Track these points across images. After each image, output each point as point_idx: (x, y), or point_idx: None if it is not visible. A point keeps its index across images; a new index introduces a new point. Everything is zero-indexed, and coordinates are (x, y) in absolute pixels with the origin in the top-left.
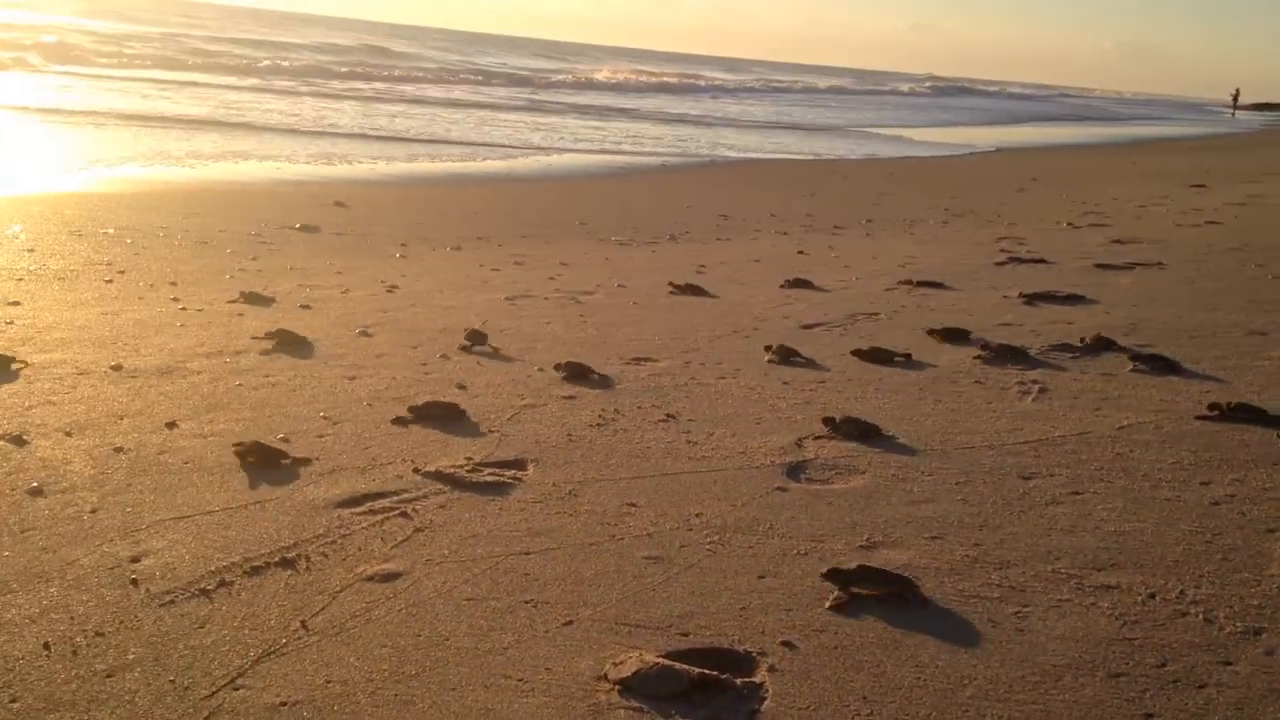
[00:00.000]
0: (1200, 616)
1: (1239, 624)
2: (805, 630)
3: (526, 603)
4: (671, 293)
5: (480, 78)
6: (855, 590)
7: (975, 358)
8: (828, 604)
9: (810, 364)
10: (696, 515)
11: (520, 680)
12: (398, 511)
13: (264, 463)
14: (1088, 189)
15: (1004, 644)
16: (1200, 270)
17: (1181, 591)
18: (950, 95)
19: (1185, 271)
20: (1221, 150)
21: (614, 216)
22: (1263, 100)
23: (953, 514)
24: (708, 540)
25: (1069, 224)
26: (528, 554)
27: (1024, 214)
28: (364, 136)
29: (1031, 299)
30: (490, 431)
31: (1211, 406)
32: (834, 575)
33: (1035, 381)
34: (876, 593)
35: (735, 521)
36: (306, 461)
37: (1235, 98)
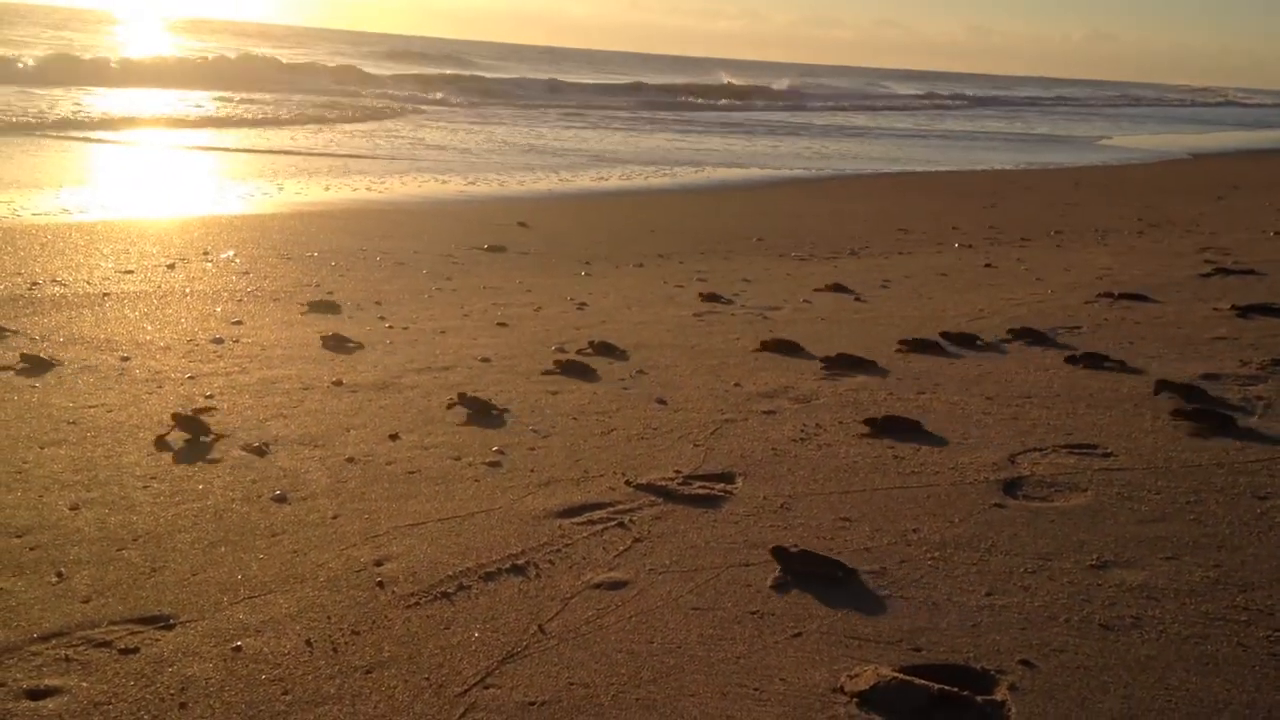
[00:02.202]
0: None
1: None
2: (1043, 649)
3: (753, 614)
4: (859, 310)
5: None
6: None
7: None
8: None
9: (1009, 381)
10: (914, 531)
11: (756, 689)
12: (615, 522)
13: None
14: None
15: (1257, 668)
16: None
17: None
18: (1102, 105)
19: None
20: None
21: (790, 231)
22: None
23: (1186, 534)
24: (929, 556)
25: (1276, 233)
26: (748, 565)
27: (1226, 223)
28: (534, 151)
29: (1245, 311)
30: (696, 445)
31: None
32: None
33: (1260, 398)
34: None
35: (954, 538)
36: (523, 472)
37: None
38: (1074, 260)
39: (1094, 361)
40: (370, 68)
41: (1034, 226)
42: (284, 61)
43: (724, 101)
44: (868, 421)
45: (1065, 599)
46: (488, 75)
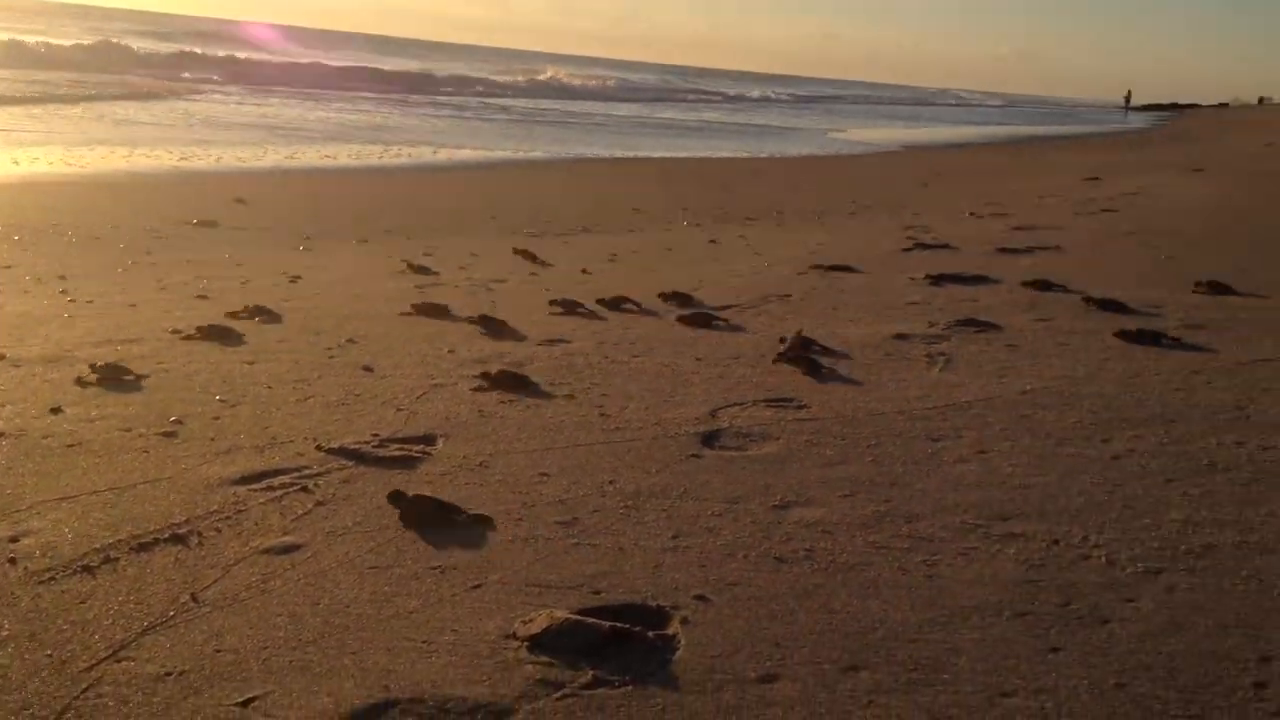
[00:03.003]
0: (1103, 559)
1: (1140, 565)
2: (719, 585)
3: (433, 569)
4: (586, 282)
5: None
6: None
7: (893, 336)
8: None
9: (721, 344)
10: (610, 483)
11: (424, 642)
12: (298, 487)
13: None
14: (988, 183)
15: (913, 589)
16: (1096, 253)
17: (1085, 537)
18: (838, 102)
19: (1082, 254)
20: (1115, 147)
21: (525, 210)
22: (1152, 101)
23: (863, 474)
24: (621, 505)
25: (971, 214)
26: (478, 525)
27: (929, 206)
28: (262, 128)
29: (938, 280)
30: (399, 410)
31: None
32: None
33: (942, 353)
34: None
35: (649, 488)
36: (201, 441)
37: (1128, 99)
38: (792, 238)
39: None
40: (133, 43)
41: (759, 208)
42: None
43: (480, 87)
44: None
45: (746, 537)
46: (240, 55)
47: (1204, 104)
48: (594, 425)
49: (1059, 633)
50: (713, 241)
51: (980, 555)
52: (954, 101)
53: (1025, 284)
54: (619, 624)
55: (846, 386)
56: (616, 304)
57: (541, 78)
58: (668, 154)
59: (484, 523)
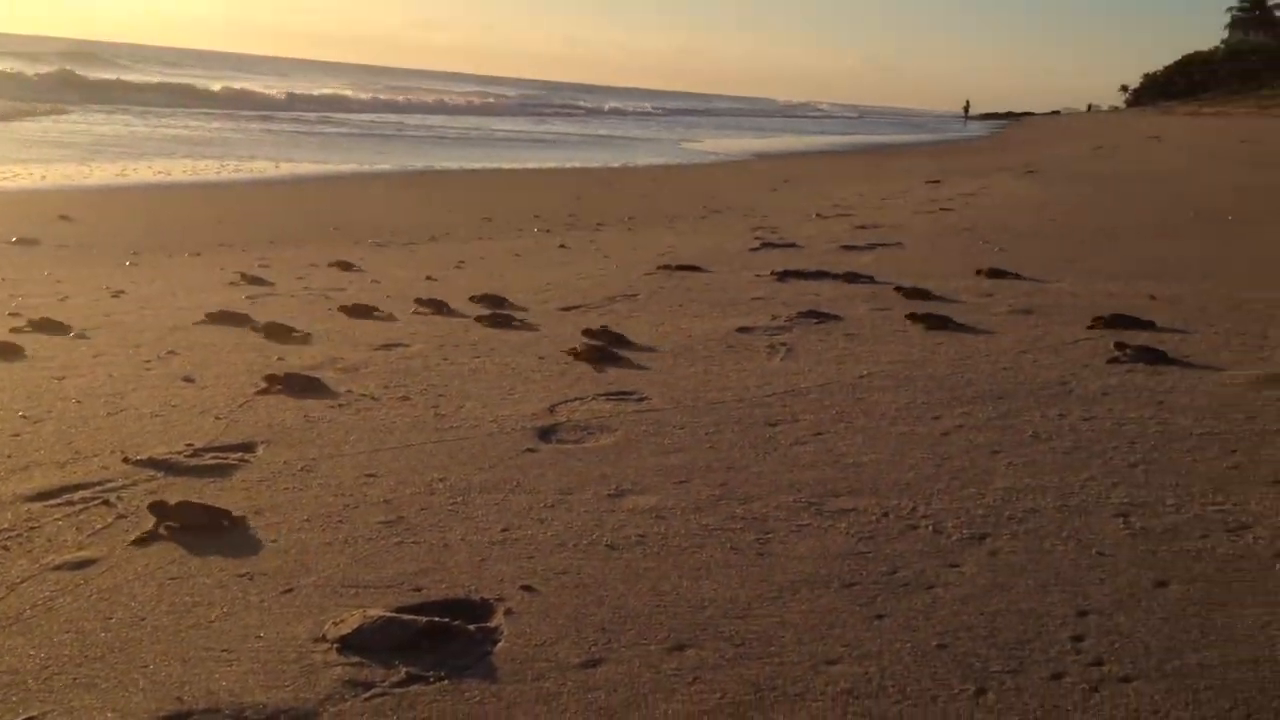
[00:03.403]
0: (930, 528)
1: (965, 532)
2: (547, 574)
3: (241, 576)
4: (430, 289)
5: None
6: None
7: (736, 330)
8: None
9: (564, 342)
10: (440, 480)
11: (225, 651)
12: (99, 500)
13: None
14: (837, 187)
15: (744, 568)
16: (934, 247)
17: (913, 508)
18: (697, 115)
19: (921, 249)
20: (955, 153)
21: (370, 221)
22: (989, 110)
23: (700, 460)
24: (450, 502)
25: (817, 215)
26: (247, 529)
27: (777, 209)
28: (94, 146)
29: (783, 276)
30: (218, 419)
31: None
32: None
33: (784, 344)
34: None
35: (481, 483)
36: None
37: (966, 108)
38: (642, 241)
39: (649, 323)
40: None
41: (611, 215)
42: None
43: (335, 103)
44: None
45: (578, 527)
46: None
47: (1037, 112)
48: (427, 425)
49: (885, 600)
50: (563, 247)
51: (812, 531)
52: (814, 114)
53: (848, 277)
54: (436, 618)
55: (689, 378)
56: (440, 307)
57: (400, 97)
58: (522, 165)
59: (261, 525)
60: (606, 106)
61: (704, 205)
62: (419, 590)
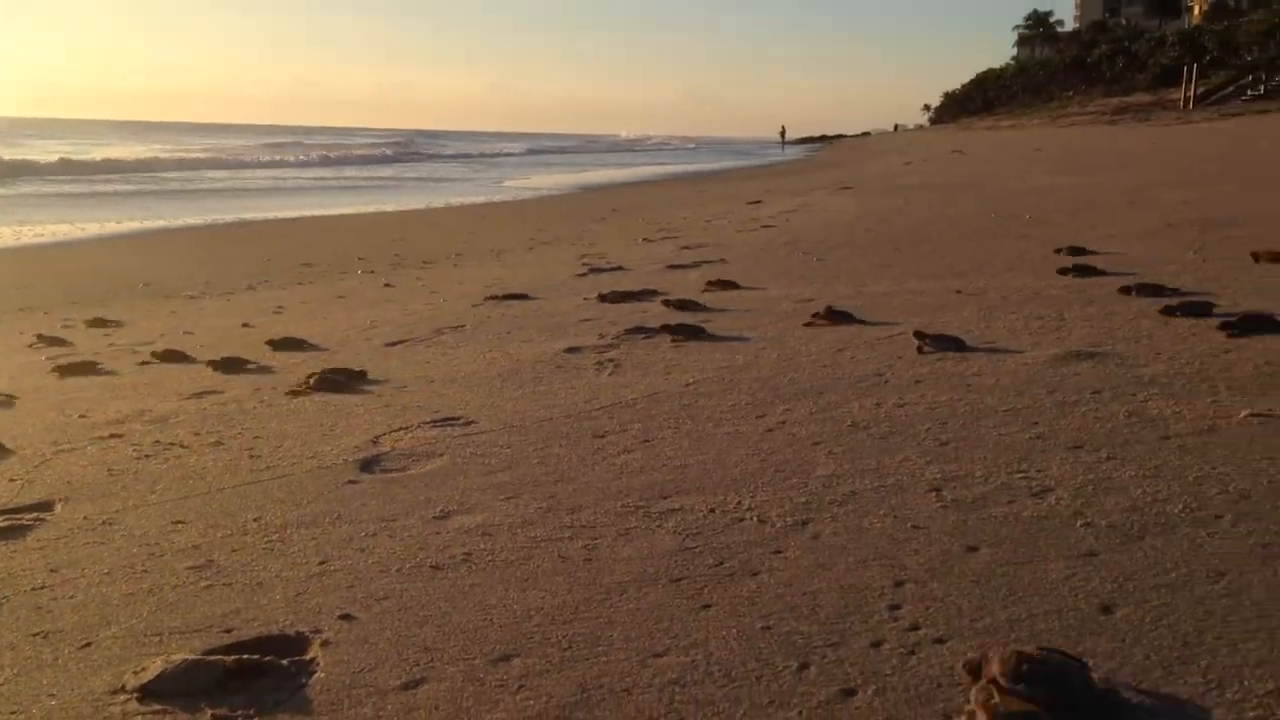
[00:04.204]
0: (755, 519)
1: (789, 519)
2: (368, 601)
3: (35, 635)
4: (247, 335)
5: None
6: None
7: (564, 350)
8: None
9: (387, 379)
10: (254, 520)
11: (13, 713)
12: None
13: None
14: (663, 213)
15: (572, 574)
16: (756, 261)
17: (739, 502)
18: (520, 155)
19: (744, 264)
20: (774, 176)
21: (182, 273)
22: (805, 135)
23: (528, 476)
24: (264, 541)
25: (644, 239)
26: (41, 588)
27: (605, 236)
28: None
29: (608, 298)
30: (12, 481)
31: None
32: None
33: (612, 360)
34: None
35: (298, 519)
36: None
37: (783, 134)
38: (469, 275)
39: (477, 352)
40: None
41: (437, 252)
42: None
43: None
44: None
45: (401, 552)
46: None
47: (849, 134)
48: (241, 468)
49: (711, 591)
50: (388, 285)
51: (639, 533)
52: (650, 146)
53: (692, 294)
54: (246, 656)
55: (517, 399)
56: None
57: (204, 154)
58: (340, 211)
59: (58, 583)
60: (430, 148)
61: (531, 238)
62: (229, 631)
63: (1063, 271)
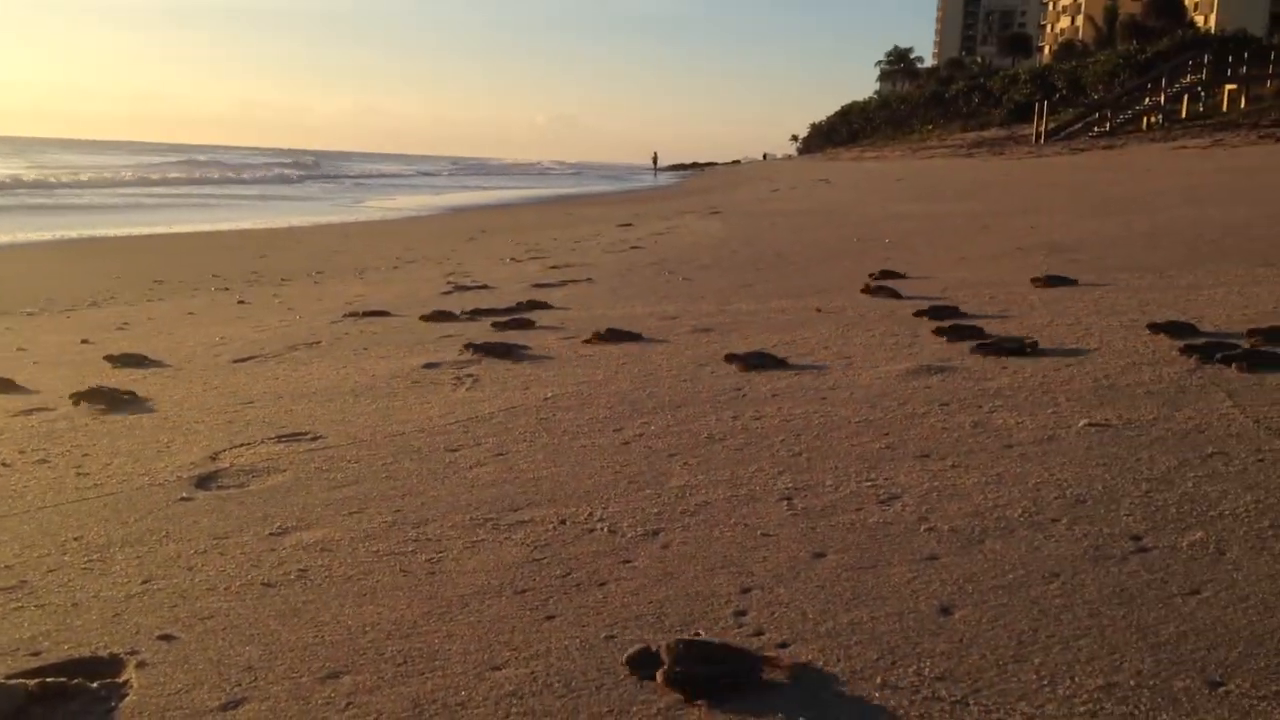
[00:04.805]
0: (606, 530)
1: (640, 529)
2: (191, 621)
3: None
4: (85, 351)
5: None
6: None
7: (422, 366)
8: None
9: (234, 392)
10: (75, 540)
11: None
12: None
13: None
14: (532, 234)
15: (413, 588)
16: (623, 281)
17: (591, 514)
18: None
19: (611, 283)
20: (646, 200)
21: (23, 290)
22: (677, 161)
23: (375, 491)
24: (85, 561)
25: (512, 259)
26: None
27: (472, 256)
28: None
29: (473, 315)
30: None
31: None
32: None
33: (471, 375)
34: None
35: (123, 538)
36: None
37: (655, 160)
38: (329, 292)
39: (331, 367)
40: None
41: (296, 270)
42: None
43: None
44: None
45: (232, 570)
46: None
47: (720, 162)
48: (67, 486)
49: (557, 601)
50: (242, 302)
51: (487, 546)
52: (535, 171)
53: (555, 312)
54: (52, 679)
55: (369, 414)
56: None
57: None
58: (195, 228)
59: None
60: (292, 169)
61: (397, 257)
62: (37, 654)
63: (868, 291)
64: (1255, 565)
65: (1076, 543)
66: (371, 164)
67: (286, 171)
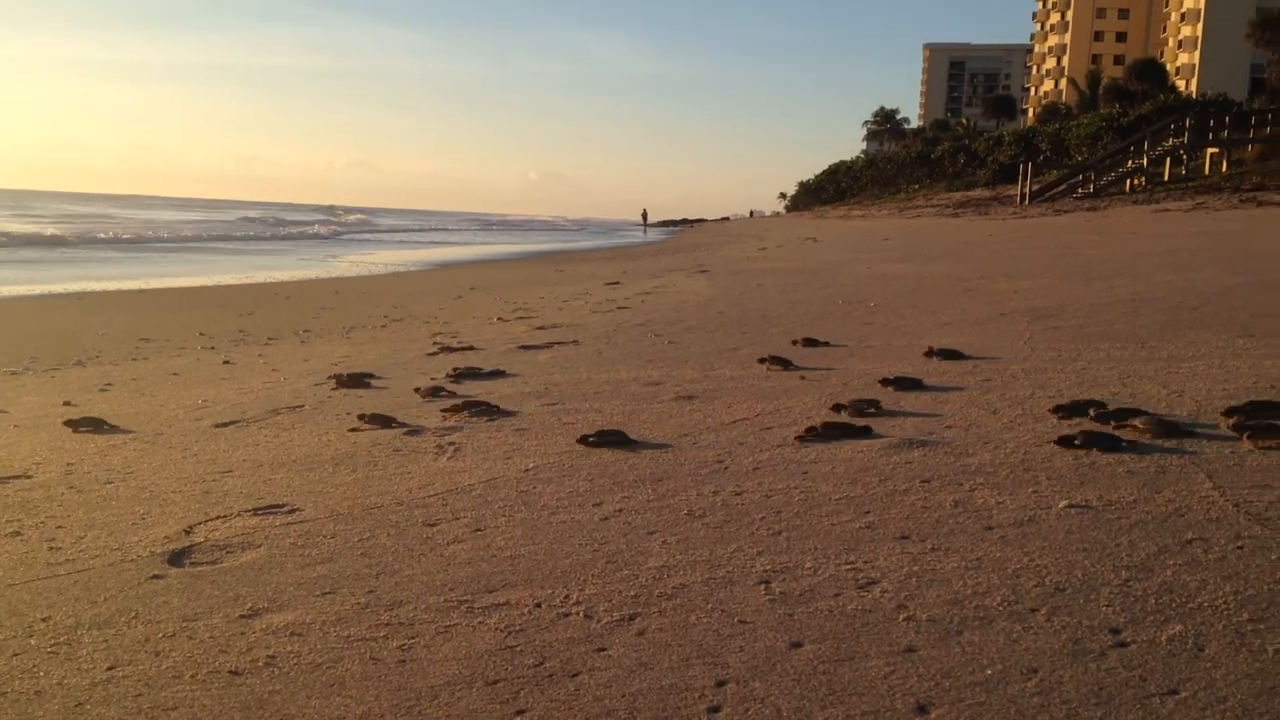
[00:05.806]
0: (582, 614)
1: (616, 614)
2: (154, 713)
3: None
4: (66, 414)
5: None
6: None
7: (405, 433)
8: None
9: (214, 460)
10: (43, 620)
11: None
12: None
13: None
14: (520, 292)
15: (383, 678)
16: (609, 343)
17: (567, 596)
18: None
19: (596, 345)
20: (635, 256)
21: (9, 348)
22: (667, 217)
23: (350, 569)
24: (50, 644)
25: (499, 318)
26: None
27: (459, 315)
28: None
29: (457, 377)
30: None
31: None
32: None
33: (452, 443)
34: None
35: (91, 619)
36: None
37: (645, 216)
38: (315, 353)
39: (313, 434)
40: None
41: (285, 328)
42: None
43: None
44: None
45: (200, 655)
46: None
47: (710, 218)
48: (38, 561)
49: (528, 694)
50: (227, 363)
51: (460, 631)
52: (540, 226)
53: (539, 375)
54: None
55: (348, 485)
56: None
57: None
58: (186, 282)
59: None
60: (288, 221)
61: (385, 315)
62: None
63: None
64: (1234, 664)
65: (1055, 635)
66: (378, 218)
67: (313, 228)
